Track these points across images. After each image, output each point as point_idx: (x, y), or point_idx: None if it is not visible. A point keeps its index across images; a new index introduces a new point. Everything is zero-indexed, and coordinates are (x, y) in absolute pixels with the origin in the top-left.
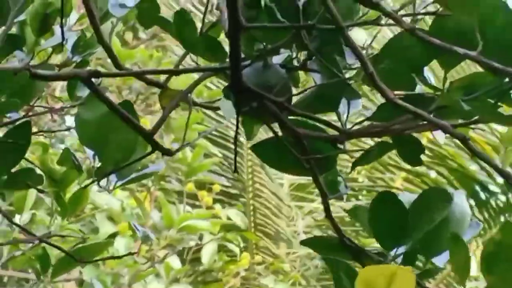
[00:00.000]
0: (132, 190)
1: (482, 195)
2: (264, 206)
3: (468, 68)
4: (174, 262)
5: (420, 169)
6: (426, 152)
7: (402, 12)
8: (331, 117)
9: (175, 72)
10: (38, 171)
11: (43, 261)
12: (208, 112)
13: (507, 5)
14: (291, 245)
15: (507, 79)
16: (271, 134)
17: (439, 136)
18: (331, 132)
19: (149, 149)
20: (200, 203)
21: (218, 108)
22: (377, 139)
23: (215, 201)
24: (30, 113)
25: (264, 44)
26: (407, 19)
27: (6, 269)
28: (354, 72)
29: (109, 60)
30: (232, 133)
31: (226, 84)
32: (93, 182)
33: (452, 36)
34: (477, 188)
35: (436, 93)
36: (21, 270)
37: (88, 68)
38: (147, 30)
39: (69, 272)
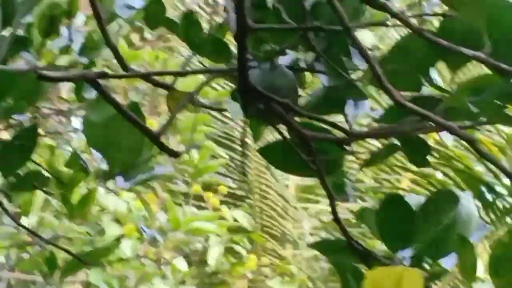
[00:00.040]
0: (138, 192)
1: (489, 197)
2: (270, 208)
3: (474, 68)
4: (181, 264)
5: (426, 170)
6: (433, 153)
7: (408, 13)
8: (338, 117)
9: (182, 73)
10: (45, 174)
11: (50, 264)
12: (214, 113)
13: None
14: (297, 246)
15: None
16: (276, 135)
17: (446, 137)
18: (338, 133)
19: (156, 150)
20: (206, 205)
21: (224, 109)
22: (383, 141)
23: (221, 202)
24: (37, 115)
25: (271, 45)
26: (414, 20)
27: (13, 271)
28: (360, 73)
29: (115, 61)
30: (238, 134)
31: (232, 85)
32: (100, 184)
33: (459, 37)
34: (484, 189)
35: (443, 95)
36: (28, 273)
37: (95, 69)
38: (153, 31)
39: (75, 274)
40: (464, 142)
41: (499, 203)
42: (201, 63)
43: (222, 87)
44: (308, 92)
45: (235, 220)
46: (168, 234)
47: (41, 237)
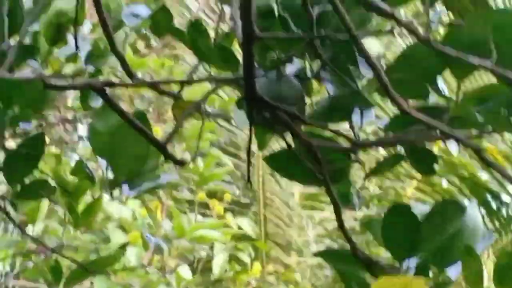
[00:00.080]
0: (143, 199)
1: (493, 204)
2: (275, 216)
3: (479, 77)
4: (185, 272)
5: (431, 178)
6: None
7: (415, 21)
8: (344, 125)
9: (188, 82)
10: (51, 182)
11: (55, 272)
12: (220, 120)
13: None
14: (301, 254)
15: None
16: (282, 143)
17: (452, 146)
18: (344, 142)
19: (162, 159)
20: (211, 212)
21: (230, 118)
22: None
23: (226, 210)
24: (43, 123)
25: (278, 53)
26: (420, 29)
27: (18, 279)
28: (367, 81)
29: (121, 68)
30: (243, 142)
31: (238, 92)
32: (105, 192)
33: (465, 46)
34: (489, 197)
35: (449, 103)
36: (33, 281)
37: (101, 77)
38: (160, 39)
39: (80, 283)
40: (469, 150)
41: (504, 211)
42: (208, 72)
43: (228, 94)
44: (315, 100)
45: (240, 227)
46: (172, 242)
47: (46, 246)
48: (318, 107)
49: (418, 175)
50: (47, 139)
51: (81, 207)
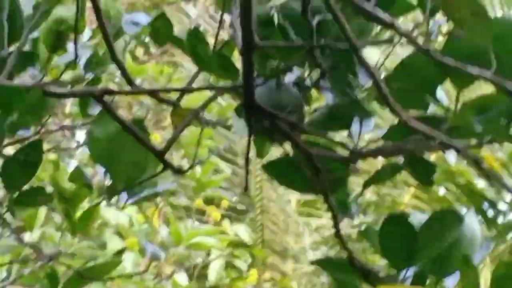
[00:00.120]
0: (140, 205)
1: (490, 212)
2: (272, 222)
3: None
4: (182, 278)
5: None
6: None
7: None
8: (343, 132)
9: (188, 90)
10: (48, 190)
11: (51, 280)
12: (218, 127)
13: None
14: (298, 261)
15: None
16: (280, 150)
17: (451, 156)
18: (344, 151)
19: (160, 166)
20: (208, 218)
21: (229, 126)
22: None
23: (223, 216)
24: (42, 130)
25: (277, 62)
26: (420, 38)
27: (15, 285)
28: (366, 89)
29: (119, 74)
30: (241, 148)
31: (237, 99)
32: (103, 200)
33: (465, 55)
34: (486, 204)
35: (448, 113)
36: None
37: (101, 85)
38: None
39: None
40: None
41: (501, 218)
42: (208, 80)
43: (226, 101)
44: (314, 109)
45: (236, 234)
46: (169, 249)
47: (43, 252)
48: (317, 116)
49: (415, 182)
50: (45, 146)
51: (78, 214)
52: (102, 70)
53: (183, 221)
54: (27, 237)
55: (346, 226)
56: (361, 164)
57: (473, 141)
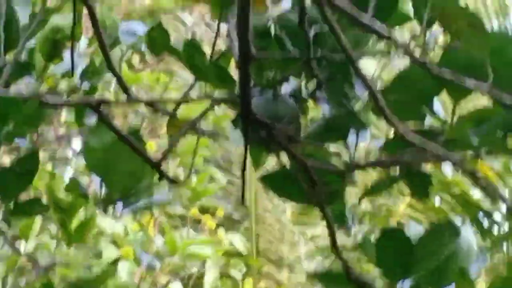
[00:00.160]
0: (135, 214)
1: (485, 222)
2: (267, 231)
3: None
4: None
5: None
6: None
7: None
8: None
9: (184, 100)
10: (44, 199)
11: None
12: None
13: None
14: (293, 270)
15: None
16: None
17: (447, 168)
18: (340, 162)
19: (156, 176)
20: (203, 227)
21: (226, 137)
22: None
23: (218, 225)
24: (38, 139)
25: (274, 72)
26: (417, 49)
27: None
28: (363, 101)
29: (114, 81)
30: (236, 157)
31: (233, 108)
32: (99, 209)
33: (462, 68)
34: (481, 214)
35: (444, 125)
36: None
37: (97, 93)
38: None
39: None
40: None
41: (496, 229)
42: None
43: (222, 110)
44: (310, 119)
45: (231, 243)
46: (164, 259)
47: (39, 263)
48: (313, 127)
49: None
50: (41, 153)
51: (74, 223)
52: (98, 79)
53: (178, 230)
54: (23, 246)
55: (342, 236)
56: (357, 173)
57: (470, 153)
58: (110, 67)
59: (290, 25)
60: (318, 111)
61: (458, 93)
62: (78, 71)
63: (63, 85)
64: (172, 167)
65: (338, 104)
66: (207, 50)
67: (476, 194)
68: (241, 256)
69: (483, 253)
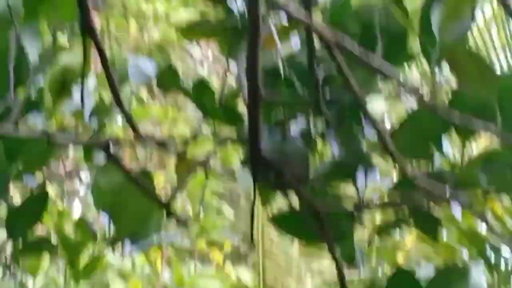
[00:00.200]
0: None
1: (492, 257)
2: (274, 265)
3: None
4: None
5: None
6: None
7: (422, 82)
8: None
9: (193, 138)
10: (53, 236)
11: None
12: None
13: None
14: None
15: None
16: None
17: (456, 210)
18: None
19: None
20: (210, 258)
21: (234, 177)
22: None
23: (225, 258)
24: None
25: (283, 112)
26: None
27: None
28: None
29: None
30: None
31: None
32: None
33: (471, 109)
34: (488, 250)
35: (453, 164)
36: None
37: (105, 132)
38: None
39: None
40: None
41: (503, 263)
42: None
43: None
44: (319, 160)
45: (239, 277)
46: None
47: None
48: (322, 167)
49: None
50: (49, 188)
51: (82, 261)
52: (107, 117)
53: (185, 263)
54: (30, 283)
55: (348, 271)
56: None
57: (479, 191)
58: (119, 105)
59: (299, 65)
60: (327, 150)
61: (467, 133)
62: (87, 108)
63: (72, 122)
64: (180, 200)
65: (347, 143)
66: (216, 81)
67: (484, 227)
68: None
69: None
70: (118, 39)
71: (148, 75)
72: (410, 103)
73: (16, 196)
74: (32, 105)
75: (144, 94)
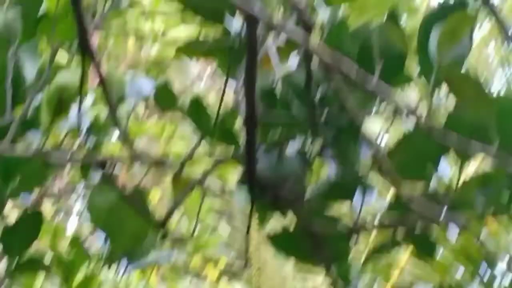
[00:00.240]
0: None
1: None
2: (269, 281)
3: None
4: None
5: None
6: None
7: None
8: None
9: (189, 157)
10: (48, 258)
11: None
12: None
13: None
14: None
15: None
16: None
17: (452, 232)
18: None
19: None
20: (205, 277)
21: (230, 195)
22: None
23: (220, 275)
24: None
25: (279, 132)
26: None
27: None
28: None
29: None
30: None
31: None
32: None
33: (468, 131)
34: (483, 266)
35: (450, 186)
36: None
37: (102, 150)
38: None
39: None
40: None
41: (498, 281)
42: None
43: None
44: (316, 179)
45: None
46: None
47: None
48: (319, 187)
49: None
50: (45, 204)
51: (77, 280)
52: (104, 135)
53: (180, 279)
54: None
55: None
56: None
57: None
58: (116, 123)
59: (296, 85)
60: (323, 171)
61: (464, 155)
62: (84, 127)
63: (68, 141)
64: (176, 215)
65: (344, 164)
66: (213, 97)
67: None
68: None
69: None
70: (116, 57)
71: (145, 94)
72: (407, 124)
73: (14, 213)
74: (29, 124)
75: (141, 110)
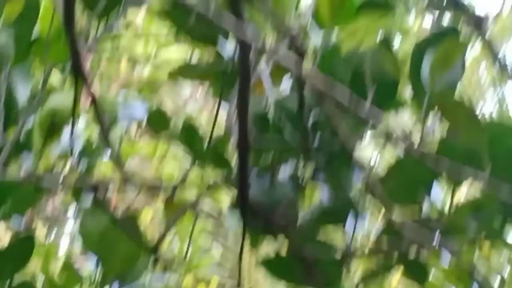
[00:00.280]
0: None
1: None
2: None
3: None
4: None
5: None
6: None
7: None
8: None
9: (182, 182)
10: (39, 281)
11: None
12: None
13: None
14: None
15: None
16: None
17: (444, 257)
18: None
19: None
20: None
21: (222, 219)
22: None
23: None
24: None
25: (272, 156)
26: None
27: None
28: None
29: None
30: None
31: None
32: None
33: (460, 156)
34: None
35: (442, 211)
36: None
37: (94, 173)
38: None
39: None
40: None
41: None
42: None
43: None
44: (308, 204)
45: None
46: None
47: None
48: (311, 211)
49: None
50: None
51: None
52: (96, 158)
53: None
54: None
55: None
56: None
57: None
58: (108, 146)
59: (289, 110)
60: (316, 195)
61: (456, 180)
62: (75, 150)
63: (60, 164)
64: (168, 240)
65: (336, 189)
66: (205, 118)
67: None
68: None
69: None
70: (108, 77)
71: (138, 117)
72: (399, 149)
73: (6, 237)
74: (21, 147)
75: (133, 129)
